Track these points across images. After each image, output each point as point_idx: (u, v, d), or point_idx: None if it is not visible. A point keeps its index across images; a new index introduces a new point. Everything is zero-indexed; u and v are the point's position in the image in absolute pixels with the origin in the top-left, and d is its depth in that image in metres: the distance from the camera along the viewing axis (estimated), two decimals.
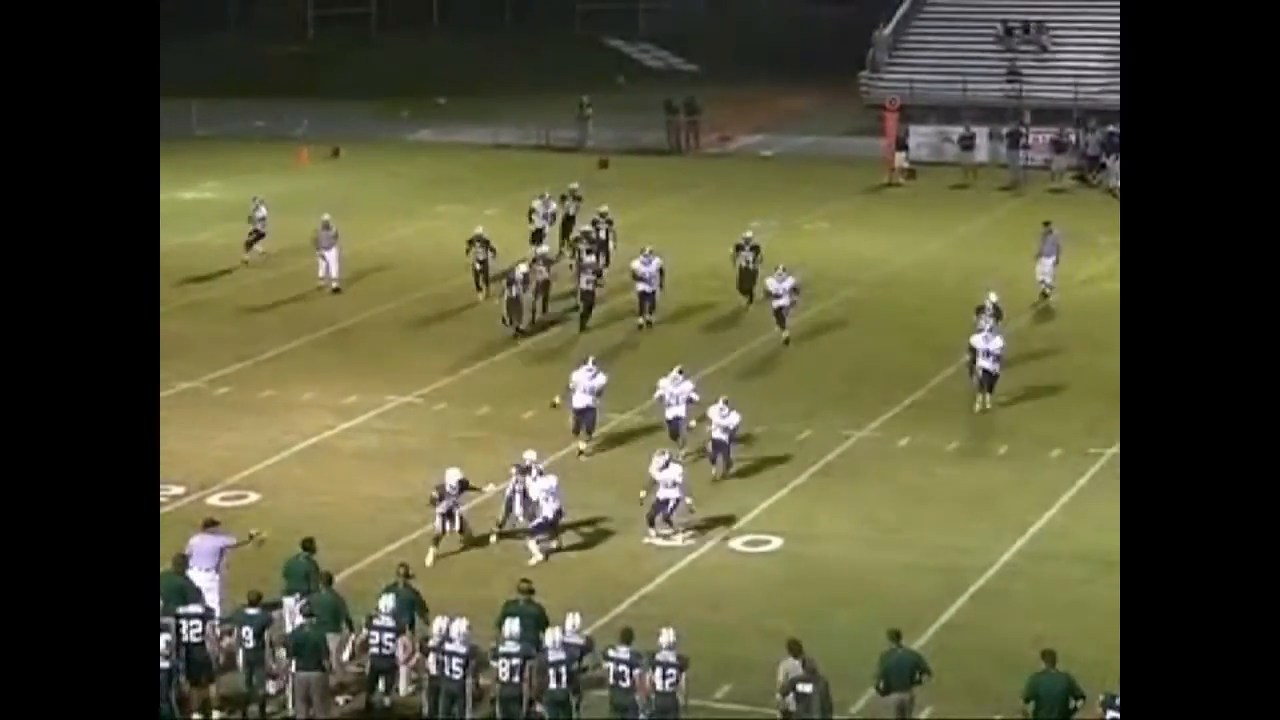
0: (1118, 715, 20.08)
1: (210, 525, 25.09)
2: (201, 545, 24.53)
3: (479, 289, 41.49)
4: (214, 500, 30.07)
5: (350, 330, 40.10)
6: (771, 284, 38.42)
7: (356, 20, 78.93)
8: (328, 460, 32.18)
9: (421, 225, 49.64)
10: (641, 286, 39.30)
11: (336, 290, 42.48)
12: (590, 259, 40.67)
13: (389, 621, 22.63)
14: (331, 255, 42.75)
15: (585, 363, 32.08)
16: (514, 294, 38.60)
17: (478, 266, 41.53)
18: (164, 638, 21.79)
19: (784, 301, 38.08)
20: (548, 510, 27.39)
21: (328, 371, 36.96)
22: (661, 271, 39.39)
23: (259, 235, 45.03)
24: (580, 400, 31.68)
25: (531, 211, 45.57)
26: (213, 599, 23.57)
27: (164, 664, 21.53)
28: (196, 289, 42.28)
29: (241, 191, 53.50)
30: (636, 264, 39.40)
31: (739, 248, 41.07)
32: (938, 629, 25.32)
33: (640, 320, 39.30)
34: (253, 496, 30.36)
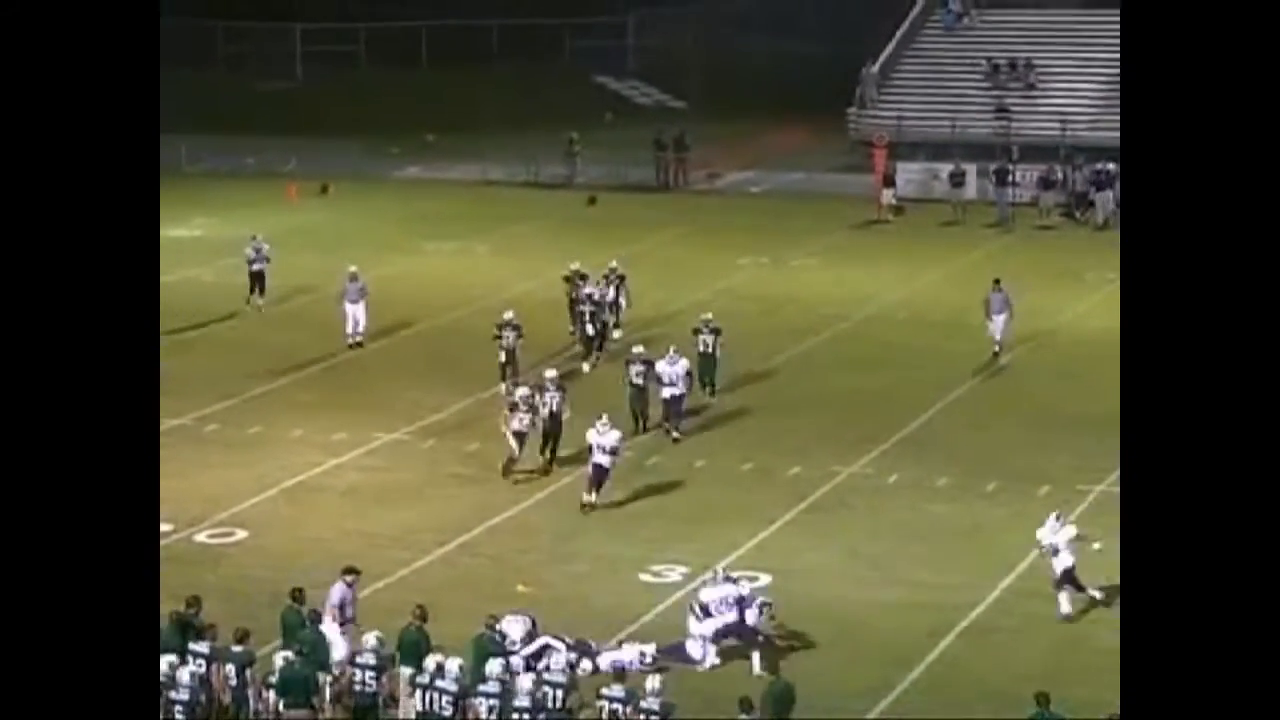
0: None
1: (349, 572, 24.75)
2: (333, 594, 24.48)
3: (503, 378, 36.78)
4: (202, 537, 30.08)
5: (339, 367, 40.05)
6: (661, 366, 34.56)
7: (345, 57, 78.94)
8: (316, 497, 32.13)
9: (410, 262, 49.63)
10: (666, 391, 34.47)
11: (360, 345, 40.77)
12: (639, 349, 35.60)
13: (371, 659, 22.60)
14: (359, 309, 40.88)
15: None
16: (553, 408, 32.72)
17: (503, 357, 37.09)
18: (190, 669, 22.02)
19: (678, 390, 34.45)
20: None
21: (316, 408, 36.92)
22: (690, 374, 34.84)
23: (259, 277, 44.03)
24: None
25: (575, 303, 39.90)
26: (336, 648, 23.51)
27: (184, 694, 21.67)
28: (185, 325, 42.21)
29: (231, 228, 53.59)
30: (661, 364, 34.52)
31: (697, 331, 36.91)
32: (927, 666, 25.30)
33: (667, 428, 34.59)
34: (241, 534, 30.31)
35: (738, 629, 25.14)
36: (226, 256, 48.55)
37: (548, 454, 32.65)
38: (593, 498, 30.71)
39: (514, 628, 24.43)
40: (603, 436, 30.64)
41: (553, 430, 32.54)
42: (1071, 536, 26.62)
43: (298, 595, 24.32)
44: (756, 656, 24.81)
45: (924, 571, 28.45)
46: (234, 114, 69.65)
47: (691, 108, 73.19)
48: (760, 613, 25.15)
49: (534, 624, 24.68)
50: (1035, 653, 25.33)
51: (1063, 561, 26.45)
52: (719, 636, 25.09)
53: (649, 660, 24.26)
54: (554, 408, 32.57)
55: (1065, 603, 26.32)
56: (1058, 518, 26.99)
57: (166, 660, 22.13)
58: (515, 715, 21.46)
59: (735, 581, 25.83)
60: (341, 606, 24.23)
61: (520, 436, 32.09)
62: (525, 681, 21.91)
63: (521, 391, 32.73)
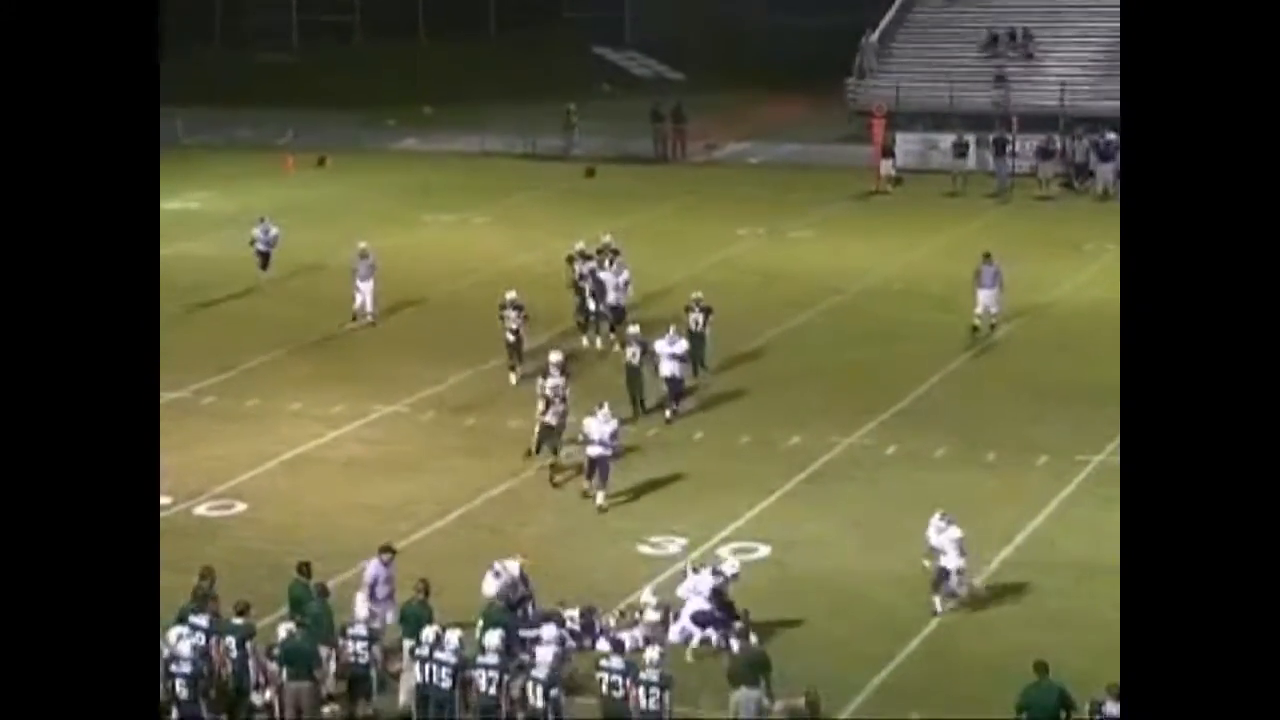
0: None
1: (384, 551, 24.70)
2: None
3: (513, 366, 36.18)
4: (201, 510, 30.11)
5: (336, 339, 40.02)
6: (660, 346, 34.05)
7: (341, 29, 78.96)
8: (315, 469, 32.15)
9: (408, 234, 49.56)
10: (666, 370, 34.09)
11: (372, 324, 40.40)
12: (634, 330, 34.78)
13: (361, 630, 22.63)
14: (368, 287, 40.29)
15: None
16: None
17: (510, 338, 36.13)
18: (191, 642, 22.00)
19: (677, 370, 34.11)
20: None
21: (314, 381, 36.91)
22: (685, 356, 34.46)
23: (265, 257, 43.63)
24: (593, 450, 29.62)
25: (578, 279, 38.84)
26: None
27: (186, 667, 21.67)
28: (182, 299, 42.14)
29: (228, 201, 53.60)
30: (660, 344, 34.01)
31: (688, 309, 36.16)
32: (925, 637, 25.32)
33: (667, 413, 34.01)
34: (240, 506, 30.34)
35: (710, 618, 24.70)
36: (224, 230, 48.54)
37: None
38: (599, 496, 29.79)
39: (490, 585, 24.53)
40: (604, 426, 29.86)
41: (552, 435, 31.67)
42: (957, 538, 25.73)
43: (304, 569, 24.34)
44: (733, 641, 24.30)
45: (922, 542, 28.40)
46: (231, 86, 69.61)
47: (689, 79, 73.15)
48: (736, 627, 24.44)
49: (522, 577, 24.65)
50: (1034, 624, 25.34)
51: (948, 561, 25.68)
52: (697, 623, 24.72)
53: (641, 642, 24.18)
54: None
55: (938, 602, 25.73)
56: (942, 517, 25.89)
57: (176, 632, 22.21)
58: (529, 684, 21.51)
59: (713, 570, 25.19)
60: (374, 584, 24.15)
61: (549, 431, 31.06)
62: (546, 654, 21.90)
63: (552, 382, 31.64)
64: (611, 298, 38.39)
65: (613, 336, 37.87)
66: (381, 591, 24.14)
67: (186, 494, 30.50)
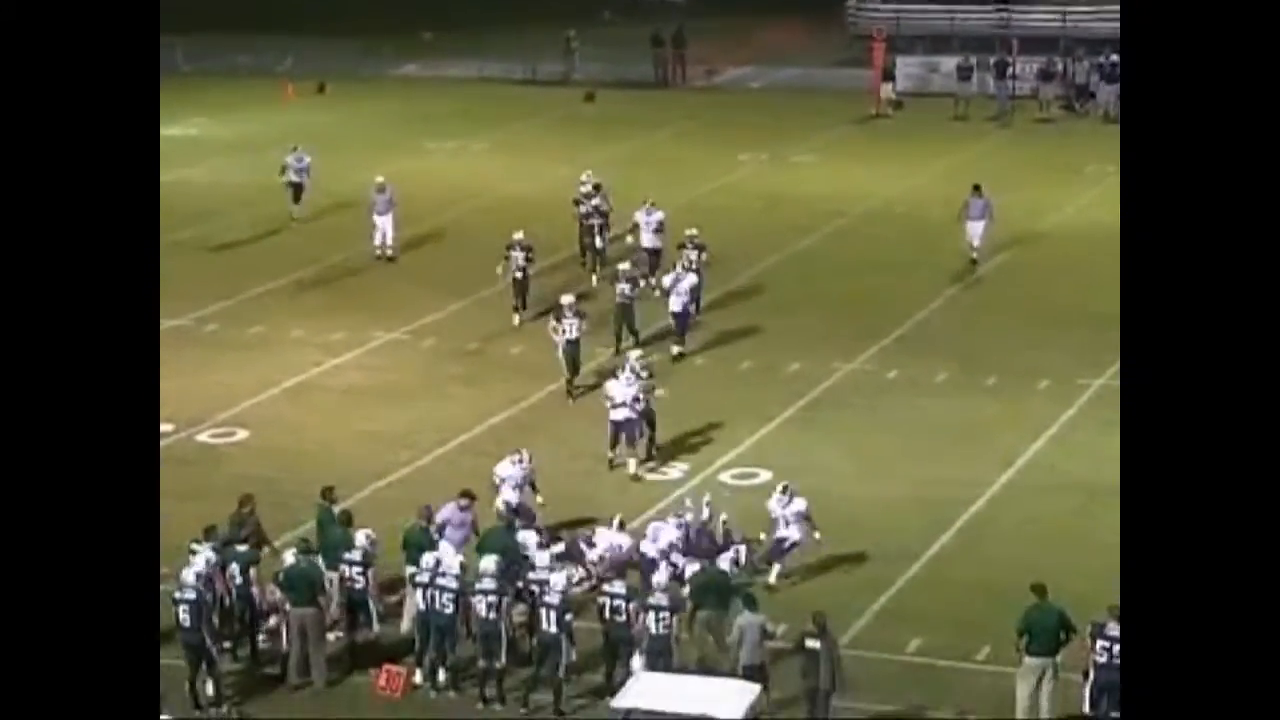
0: (1106, 644, 20.26)
1: (463, 495, 24.58)
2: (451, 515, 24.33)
3: (516, 309, 35.51)
4: (203, 437, 30.15)
5: (337, 267, 39.93)
6: (667, 281, 33.82)
7: None
8: (316, 397, 32.19)
9: (408, 161, 49.37)
10: (673, 304, 33.57)
11: (391, 259, 39.74)
12: (625, 266, 34.40)
13: (356, 555, 22.71)
14: (387, 221, 39.72)
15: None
16: (571, 335, 31.60)
17: (517, 275, 35.33)
18: (195, 570, 22.11)
19: (685, 301, 33.60)
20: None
21: (315, 308, 36.90)
22: (694, 289, 33.92)
23: (298, 188, 43.05)
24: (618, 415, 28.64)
25: (585, 217, 38.23)
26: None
27: (190, 594, 21.73)
28: (182, 226, 42.02)
29: (227, 129, 53.43)
30: (667, 280, 33.77)
31: (682, 246, 35.10)
32: (926, 561, 25.41)
33: (674, 349, 33.64)
34: (242, 434, 30.39)
35: (630, 554, 24.36)
36: (223, 156, 48.38)
37: (569, 383, 31.67)
38: (631, 463, 28.62)
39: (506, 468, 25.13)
40: (627, 389, 28.59)
41: (571, 355, 31.52)
42: (799, 510, 24.62)
43: (328, 494, 24.40)
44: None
45: (923, 467, 28.51)
46: (231, 13, 69.24)
47: (690, 3, 72.74)
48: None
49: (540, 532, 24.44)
50: (1034, 548, 25.39)
51: (787, 534, 24.72)
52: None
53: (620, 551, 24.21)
54: (572, 334, 31.45)
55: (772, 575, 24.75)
56: (784, 490, 24.84)
57: (203, 557, 22.32)
58: (543, 610, 21.61)
59: (679, 524, 24.55)
60: (443, 526, 23.95)
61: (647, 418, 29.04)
62: (559, 579, 21.94)
63: (634, 353, 30.44)
64: (646, 240, 37.36)
65: (652, 282, 35.78)
66: (455, 536, 23.87)
67: (188, 421, 30.55)
